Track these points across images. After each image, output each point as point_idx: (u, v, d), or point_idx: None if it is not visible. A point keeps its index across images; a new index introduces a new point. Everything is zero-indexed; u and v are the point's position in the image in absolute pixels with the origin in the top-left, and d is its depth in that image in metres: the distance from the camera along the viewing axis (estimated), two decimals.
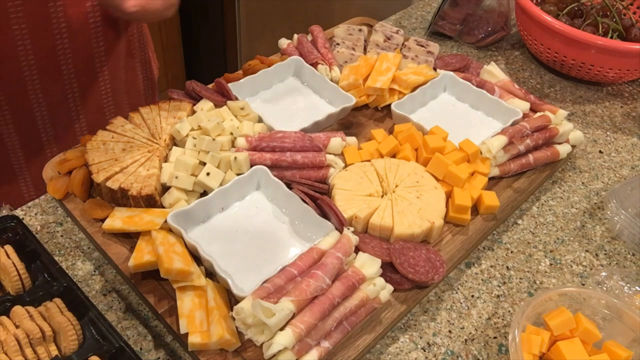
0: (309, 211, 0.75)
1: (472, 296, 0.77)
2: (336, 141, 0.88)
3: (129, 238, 0.74)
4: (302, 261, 0.69)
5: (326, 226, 0.73)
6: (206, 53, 2.25)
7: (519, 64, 1.26)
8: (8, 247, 0.69)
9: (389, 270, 0.72)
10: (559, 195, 0.94)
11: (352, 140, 0.90)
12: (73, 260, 0.76)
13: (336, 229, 0.73)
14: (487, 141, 0.87)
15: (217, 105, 0.91)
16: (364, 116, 0.99)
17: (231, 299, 0.68)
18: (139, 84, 1.08)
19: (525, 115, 0.96)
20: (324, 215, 0.76)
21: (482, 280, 0.79)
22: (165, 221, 0.72)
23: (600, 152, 1.03)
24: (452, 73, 1.03)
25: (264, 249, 0.74)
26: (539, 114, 0.96)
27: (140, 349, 0.68)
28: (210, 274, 0.70)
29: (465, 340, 0.72)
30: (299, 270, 0.68)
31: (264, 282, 0.66)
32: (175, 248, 0.69)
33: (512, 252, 0.83)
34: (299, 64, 1.02)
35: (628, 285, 0.76)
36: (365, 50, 1.10)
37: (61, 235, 0.79)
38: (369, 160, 0.86)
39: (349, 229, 0.73)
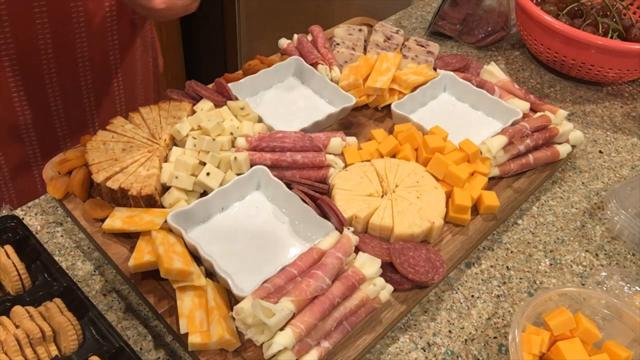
0: (309, 211, 0.75)
1: (472, 296, 0.77)
2: (336, 141, 0.88)
3: (129, 238, 0.74)
4: (302, 261, 0.69)
5: (326, 226, 0.74)
6: (206, 53, 2.24)
7: (519, 64, 1.26)
8: (8, 247, 0.69)
9: (389, 270, 0.72)
10: (559, 195, 0.94)
11: (352, 140, 0.90)
12: (73, 260, 0.76)
13: (336, 229, 0.73)
14: (487, 141, 0.87)
15: (217, 105, 0.91)
16: (364, 116, 0.99)
17: (231, 299, 0.68)
18: (149, 80, 1.09)
19: (525, 115, 0.96)
20: (324, 215, 0.76)
21: (482, 280, 0.79)
22: (165, 221, 0.72)
23: (600, 152, 1.03)
24: (452, 73, 1.03)
25: (264, 249, 0.74)
26: (539, 114, 0.96)
27: (140, 349, 0.68)
28: (210, 274, 0.70)
29: (465, 340, 0.72)
30: (299, 270, 0.68)
31: (264, 282, 0.66)
32: (175, 248, 0.69)
33: (512, 252, 0.83)
34: (299, 64, 1.02)
35: (628, 285, 0.76)
36: (365, 50, 1.10)
37: (61, 235, 0.79)
38: (369, 160, 0.86)
39: (349, 229, 0.73)
